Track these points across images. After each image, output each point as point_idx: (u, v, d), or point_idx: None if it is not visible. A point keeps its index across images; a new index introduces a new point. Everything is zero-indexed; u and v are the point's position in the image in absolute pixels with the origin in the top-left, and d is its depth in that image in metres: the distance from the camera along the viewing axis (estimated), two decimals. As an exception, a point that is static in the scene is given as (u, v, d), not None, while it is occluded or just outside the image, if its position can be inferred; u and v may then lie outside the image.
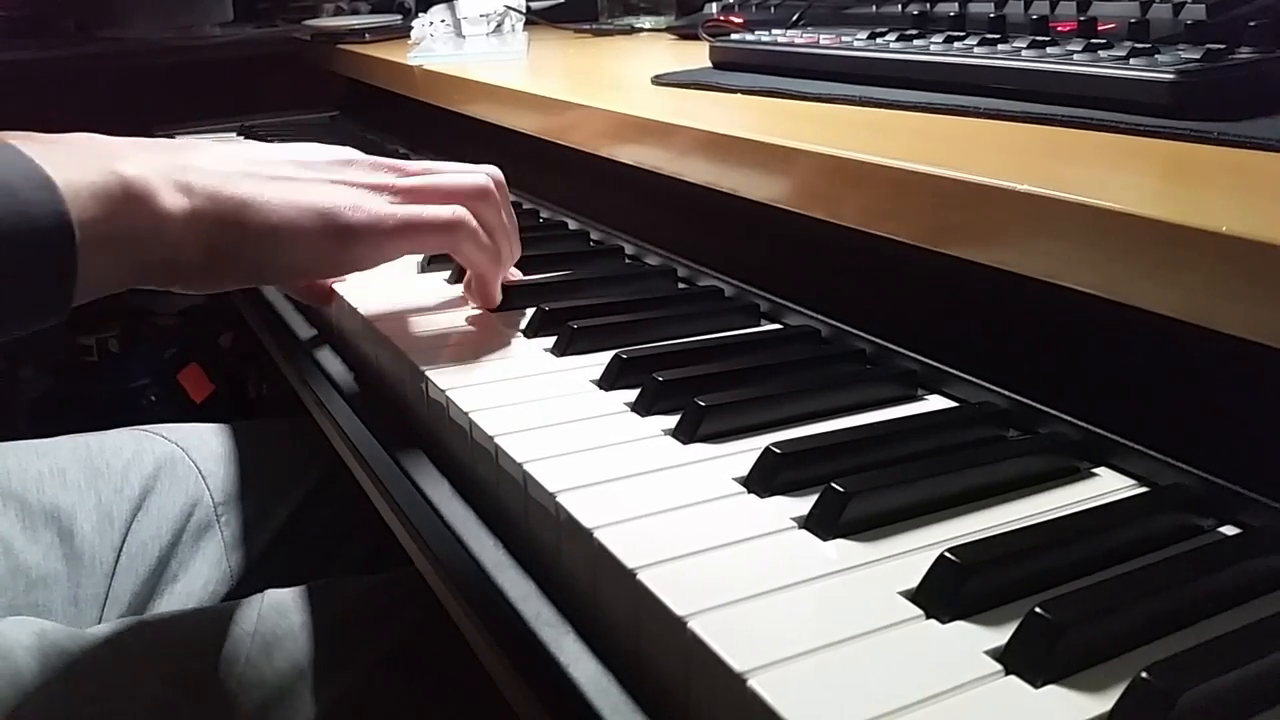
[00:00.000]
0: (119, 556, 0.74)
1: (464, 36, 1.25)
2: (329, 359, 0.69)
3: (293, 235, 0.50)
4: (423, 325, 0.60)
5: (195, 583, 0.76)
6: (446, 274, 0.69)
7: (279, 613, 0.61)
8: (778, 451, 0.41)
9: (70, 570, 0.72)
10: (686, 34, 1.19)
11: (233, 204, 0.48)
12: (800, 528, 0.38)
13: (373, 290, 0.65)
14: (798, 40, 0.77)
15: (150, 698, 0.55)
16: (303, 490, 0.82)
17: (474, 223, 0.56)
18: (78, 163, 0.44)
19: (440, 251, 0.59)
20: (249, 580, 0.78)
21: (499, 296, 0.61)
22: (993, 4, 0.73)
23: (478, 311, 0.61)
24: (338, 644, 0.60)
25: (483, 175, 0.58)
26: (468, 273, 0.61)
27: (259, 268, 0.51)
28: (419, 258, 0.71)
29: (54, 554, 0.72)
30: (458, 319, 0.61)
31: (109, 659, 0.57)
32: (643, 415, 0.48)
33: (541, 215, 0.85)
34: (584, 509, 0.39)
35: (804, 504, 0.39)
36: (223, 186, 0.48)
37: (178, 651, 0.57)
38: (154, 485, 0.77)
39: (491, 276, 0.59)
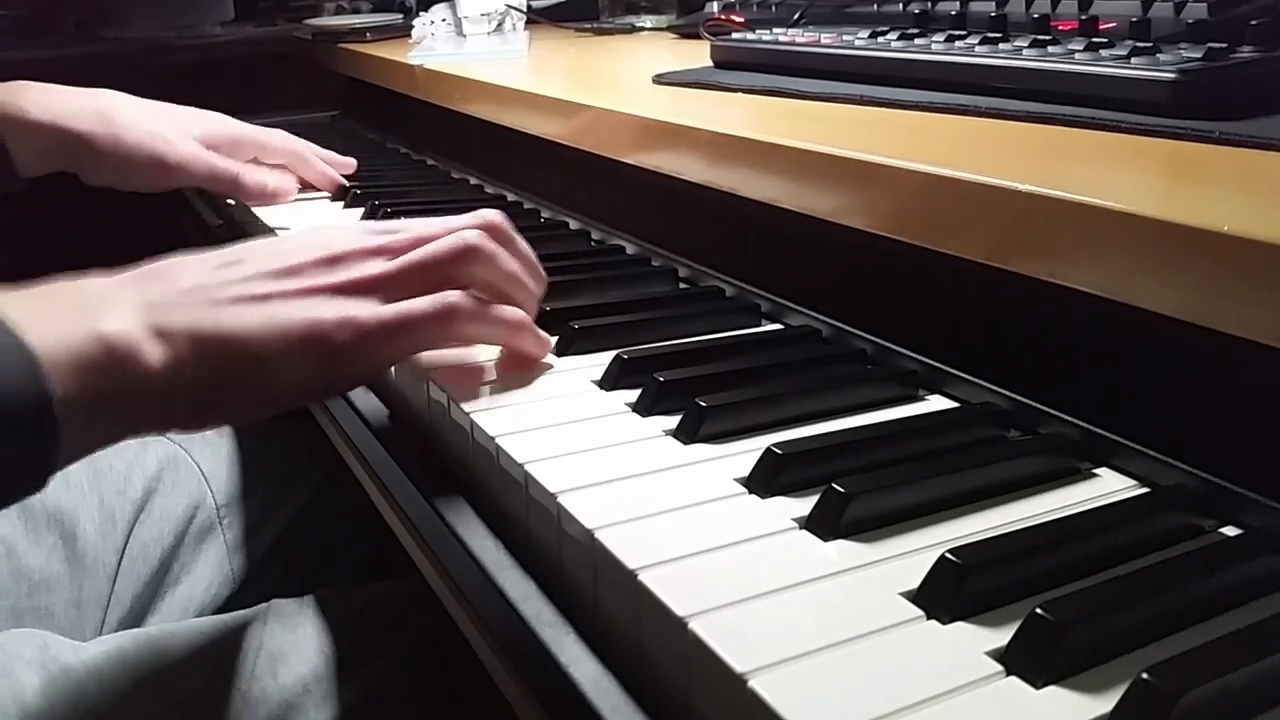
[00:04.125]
0: (121, 559, 0.74)
1: (465, 36, 1.25)
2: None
3: (281, 363, 0.45)
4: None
5: (197, 586, 0.76)
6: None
7: (284, 625, 0.60)
8: (778, 452, 0.41)
9: (73, 573, 0.72)
10: (687, 33, 1.19)
11: (214, 341, 0.43)
12: (801, 528, 0.38)
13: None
14: (799, 39, 0.77)
15: (155, 717, 0.55)
16: (305, 492, 0.82)
17: (466, 302, 0.49)
18: (56, 325, 0.39)
19: (446, 345, 0.52)
20: (251, 583, 0.78)
21: (539, 346, 0.53)
22: (994, 3, 0.73)
23: None
24: (343, 657, 0.59)
25: (467, 232, 0.51)
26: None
27: (256, 400, 0.46)
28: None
29: (56, 556, 0.71)
30: None
31: (112, 676, 0.56)
32: (644, 416, 0.48)
33: (542, 215, 0.85)
34: (585, 509, 0.39)
35: (805, 504, 0.39)
36: (200, 321, 0.43)
37: (182, 668, 0.57)
38: (156, 487, 0.77)
39: (513, 339, 0.53)
